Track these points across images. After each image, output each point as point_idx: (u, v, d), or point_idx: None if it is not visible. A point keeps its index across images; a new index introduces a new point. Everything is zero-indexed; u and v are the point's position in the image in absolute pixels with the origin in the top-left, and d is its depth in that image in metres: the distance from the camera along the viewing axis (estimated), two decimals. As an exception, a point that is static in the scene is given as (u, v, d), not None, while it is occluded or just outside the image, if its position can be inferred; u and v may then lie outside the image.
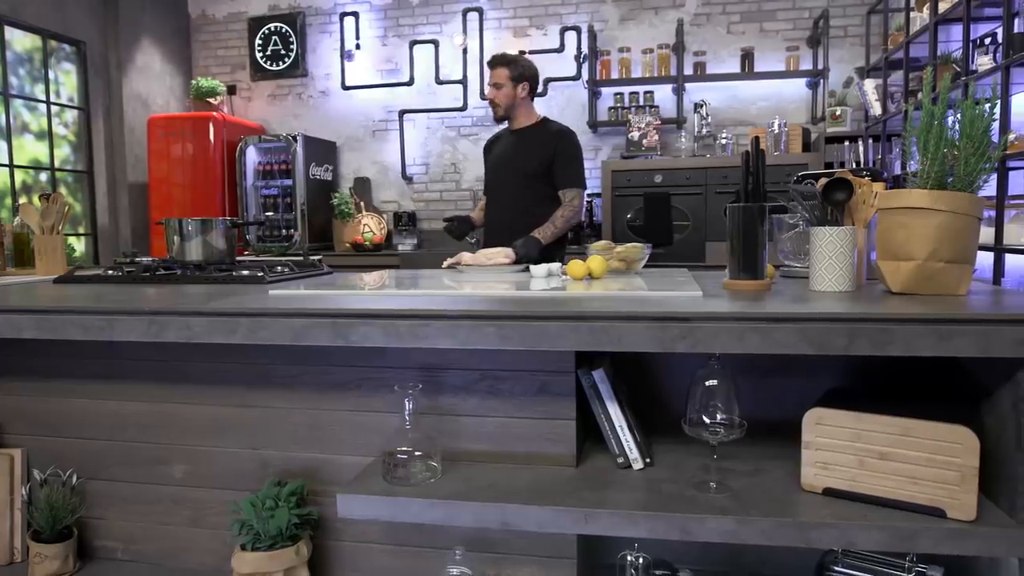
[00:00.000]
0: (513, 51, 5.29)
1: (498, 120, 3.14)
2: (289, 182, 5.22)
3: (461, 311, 1.21)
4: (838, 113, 4.66)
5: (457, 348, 1.25)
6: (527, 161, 2.96)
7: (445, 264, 2.37)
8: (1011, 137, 3.02)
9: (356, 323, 1.24)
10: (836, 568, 1.27)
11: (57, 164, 4.89)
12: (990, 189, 2.94)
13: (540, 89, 5.26)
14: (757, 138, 1.54)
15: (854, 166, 4.50)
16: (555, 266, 1.87)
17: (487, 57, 5.35)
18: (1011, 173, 3.21)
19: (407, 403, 1.38)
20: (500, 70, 3.00)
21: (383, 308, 1.26)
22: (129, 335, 1.36)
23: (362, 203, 5.41)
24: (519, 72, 3.00)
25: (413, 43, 5.41)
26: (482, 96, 5.35)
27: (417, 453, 1.37)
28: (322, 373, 1.57)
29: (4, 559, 1.74)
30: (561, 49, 5.20)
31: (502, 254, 2.45)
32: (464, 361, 1.48)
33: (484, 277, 1.98)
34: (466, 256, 2.36)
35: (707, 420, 1.25)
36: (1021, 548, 1.11)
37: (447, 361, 1.49)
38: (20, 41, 4.60)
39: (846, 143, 4.59)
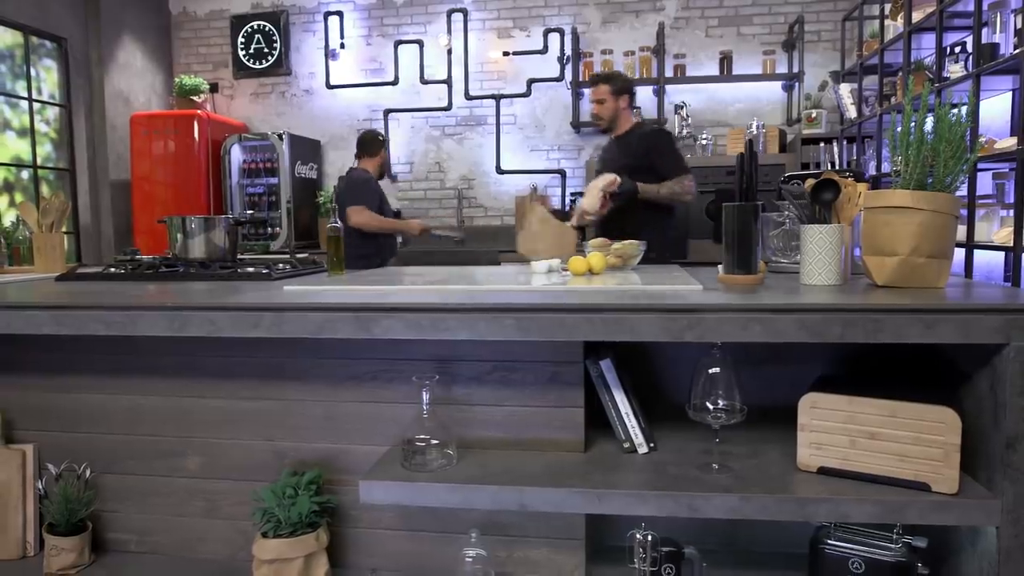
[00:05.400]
0: (497, 52, 5.39)
1: (604, 132, 3.38)
2: (274, 180, 5.23)
3: (481, 304, 1.28)
4: (813, 115, 4.81)
5: (471, 340, 1.32)
6: (628, 161, 3.15)
7: (575, 221, 2.82)
8: (981, 140, 3.17)
9: (379, 316, 1.31)
10: (829, 541, 1.37)
11: (39, 162, 4.84)
12: (961, 189, 3.09)
13: (524, 90, 5.36)
14: (751, 141, 1.63)
15: (829, 167, 4.65)
16: (555, 262, 1.94)
17: (471, 56, 5.47)
18: (979, 174, 3.37)
19: (424, 393, 1.44)
20: (601, 87, 3.28)
21: (405, 302, 1.32)
22: (152, 330, 1.41)
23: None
24: (619, 86, 3.29)
25: (398, 43, 5.45)
26: (467, 95, 5.41)
27: (434, 441, 1.44)
28: (336, 366, 1.63)
29: (17, 553, 1.76)
30: (544, 51, 5.28)
31: (606, 180, 2.79)
32: (476, 353, 1.55)
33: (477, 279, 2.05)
34: (584, 202, 2.79)
35: (710, 406, 1.34)
36: (997, 517, 1.21)
37: (459, 353, 1.56)
38: (1, 37, 4.54)
39: (821, 144, 4.74)
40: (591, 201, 2.75)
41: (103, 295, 1.57)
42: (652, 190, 3.04)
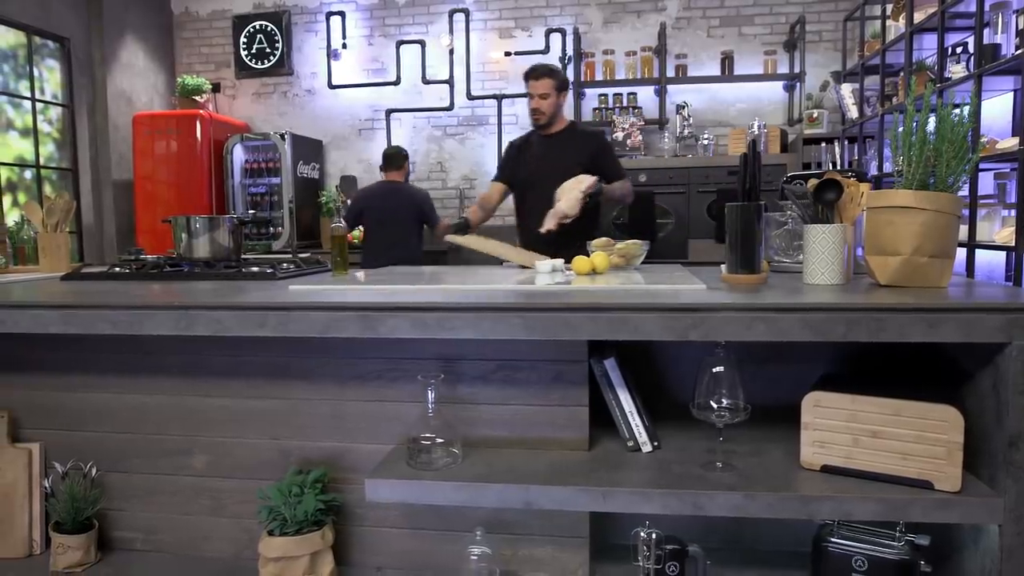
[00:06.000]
0: (498, 52, 5.40)
1: (541, 128, 3.17)
2: (276, 180, 5.24)
3: (487, 303, 1.29)
4: (815, 115, 4.81)
5: (475, 339, 1.33)
6: (571, 161, 3.00)
7: (553, 224, 2.59)
8: (983, 140, 3.18)
9: (384, 316, 1.31)
10: (832, 539, 1.37)
11: (42, 161, 4.85)
12: (963, 189, 3.10)
13: (525, 90, 5.35)
14: (754, 142, 1.64)
15: (831, 167, 4.66)
16: (559, 262, 1.95)
17: (473, 56, 5.48)
18: (981, 174, 3.38)
19: (429, 392, 1.45)
20: (545, 80, 3.09)
21: (410, 301, 1.33)
22: (158, 329, 1.41)
23: (349, 201, 5.44)
24: (562, 81, 3.15)
25: (400, 43, 5.46)
26: (469, 95, 5.42)
27: (439, 440, 1.45)
28: (342, 365, 1.64)
29: (23, 551, 1.77)
30: (546, 51, 5.29)
31: (586, 182, 2.60)
32: (481, 352, 1.55)
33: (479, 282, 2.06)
34: (562, 206, 2.56)
35: (714, 404, 1.35)
36: (1000, 516, 1.22)
37: (464, 352, 1.56)
38: (4, 37, 4.56)
39: (823, 144, 4.75)
40: (571, 204, 2.58)
41: (109, 294, 1.58)
42: (610, 190, 2.96)
